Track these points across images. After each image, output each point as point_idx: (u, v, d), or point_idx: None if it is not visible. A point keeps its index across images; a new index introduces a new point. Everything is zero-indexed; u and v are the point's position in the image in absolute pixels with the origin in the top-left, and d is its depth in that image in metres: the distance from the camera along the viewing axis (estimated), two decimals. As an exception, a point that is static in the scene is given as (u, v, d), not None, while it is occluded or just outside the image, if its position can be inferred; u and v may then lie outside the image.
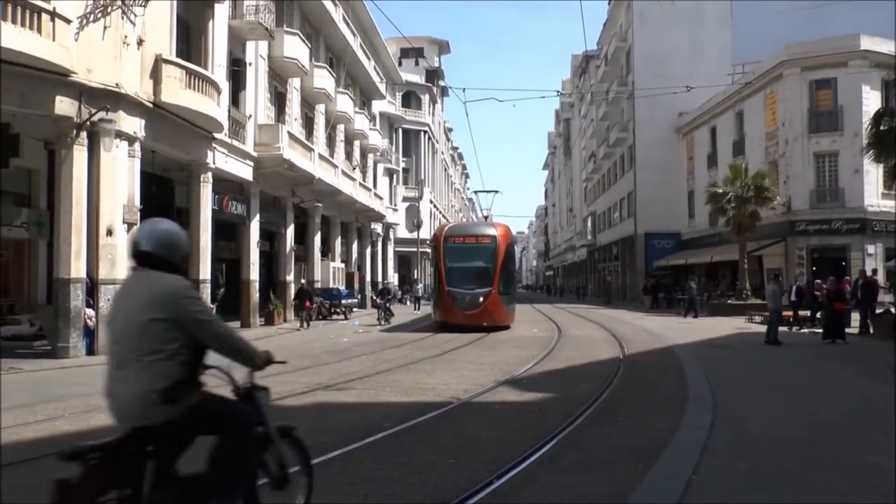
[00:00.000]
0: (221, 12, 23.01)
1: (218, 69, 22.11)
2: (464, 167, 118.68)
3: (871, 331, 21.89)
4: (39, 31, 14.98)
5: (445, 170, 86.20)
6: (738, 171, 34.18)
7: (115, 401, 3.82)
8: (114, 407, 3.84)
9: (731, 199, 33.48)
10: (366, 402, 10.40)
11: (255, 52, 26.72)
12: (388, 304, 31.45)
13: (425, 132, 66.30)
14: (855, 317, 22.68)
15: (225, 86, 22.43)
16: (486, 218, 43.62)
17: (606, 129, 63.42)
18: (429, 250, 47.71)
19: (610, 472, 6.46)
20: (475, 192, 64.97)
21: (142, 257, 3.88)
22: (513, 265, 28.13)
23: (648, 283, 43.61)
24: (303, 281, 31.73)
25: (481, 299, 24.27)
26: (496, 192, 39.67)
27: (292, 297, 30.18)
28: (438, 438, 7.92)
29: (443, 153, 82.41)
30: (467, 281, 24.67)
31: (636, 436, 7.95)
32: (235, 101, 25.47)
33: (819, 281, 24.43)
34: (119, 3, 17.17)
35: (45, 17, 15.10)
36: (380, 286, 43.71)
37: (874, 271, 25.43)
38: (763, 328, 22.09)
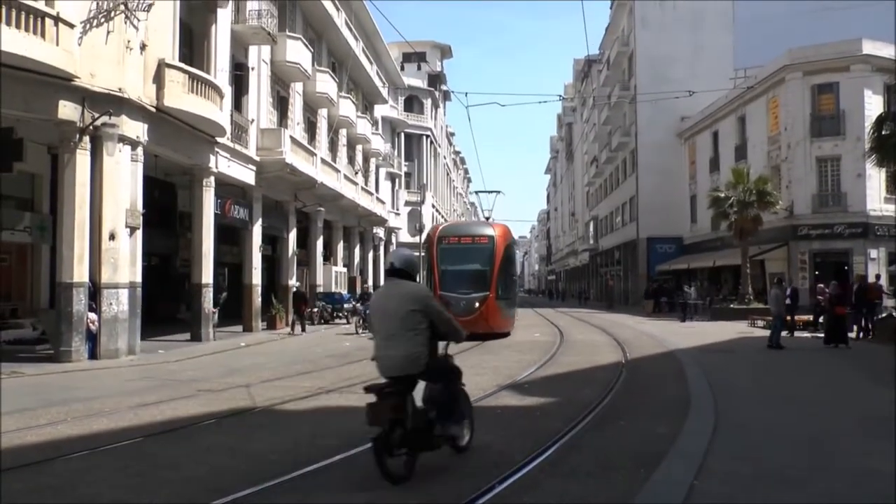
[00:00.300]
0: (224, 17, 23.07)
1: (221, 74, 22.15)
2: (466, 171, 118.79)
3: (870, 335, 21.90)
4: (43, 35, 15.02)
5: (448, 174, 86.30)
6: (741, 175, 34.18)
7: (385, 360, 6.37)
8: (385, 364, 6.37)
9: (733, 203, 33.49)
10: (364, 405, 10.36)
11: (258, 57, 26.77)
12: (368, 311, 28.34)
13: (427, 136, 66.37)
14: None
15: (227, 90, 22.47)
16: (487, 220, 43.08)
17: (608, 133, 63.47)
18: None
19: (612, 477, 6.45)
20: (476, 192, 64.56)
21: (395, 272, 6.57)
22: (513, 268, 26.68)
23: (651, 288, 43.53)
24: (297, 284, 30.81)
25: (477, 304, 22.38)
26: (498, 192, 37.20)
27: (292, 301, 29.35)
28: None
29: (445, 157, 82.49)
30: (462, 284, 22.96)
31: (638, 440, 7.95)
32: (238, 105, 25.51)
33: (822, 285, 24.35)
34: (122, 7, 17.22)
35: (48, 21, 15.15)
36: (359, 290, 40.15)
37: (877, 276, 25.42)
38: (766, 332, 22.08)
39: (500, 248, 23.56)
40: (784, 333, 20.86)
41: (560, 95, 66.23)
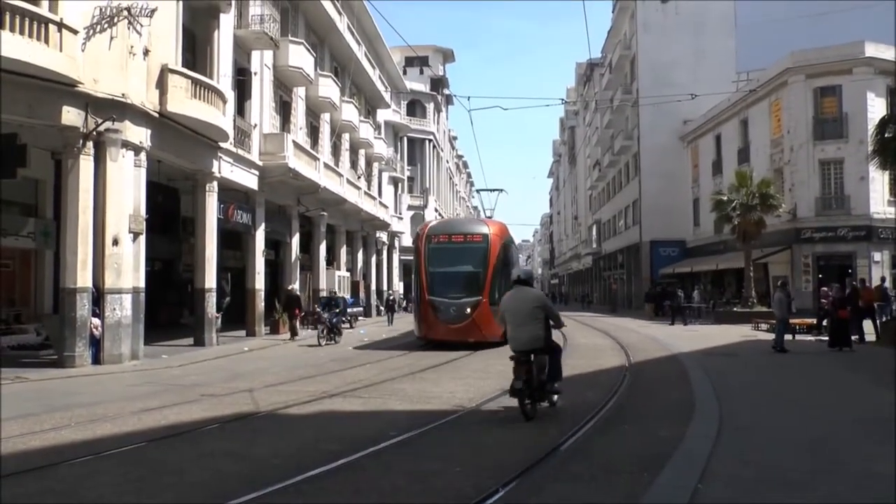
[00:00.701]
0: (227, 22, 23.11)
1: (223, 79, 22.19)
2: (469, 175, 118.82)
3: (863, 339, 21.87)
4: (47, 41, 15.06)
5: (450, 178, 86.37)
6: (744, 178, 34.14)
7: (517, 340, 9.69)
8: (517, 342, 9.68)
9: (736, 206, 33.42)
10: (372, 410, 10.40)
11: (261, 62, 26.82)
12: (336, 320, 24.36)
13: (430, 140, 66.44)
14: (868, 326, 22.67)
15: (230, 95, 22.51)
16: (490, 218, 41.92)
17: (611, 137, 63.46)
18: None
19: (616, 481, 6.45)
20: (478, 190, 63.64)
21: (521, 281, 10.20)
22: (510, 270, 23.96)
23: (653, 291, 43.15)
24: (291, 287, 29.16)
25: (469, 310, 20.55)
26: (501, 190, 35.07)
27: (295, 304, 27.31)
28: (444, 447, 7.93)
29: (448, 161, 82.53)
30: (453, 288, 21.11)
31: (642, 444, 7.94)
32: (241, 110, 25.55)
33: (825, 288, 24.26)
34: (125, 13, 17.25)
35: (52, 27, 15.19)
36: (322, 294, 32.89)
37: (882, 279, 25.36)
38: (769, 336, 22.07)
39: (495, 248, 21.54)
40: (789, 337, 20.81)
41: (562, 99, 66.34)
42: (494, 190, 41.16)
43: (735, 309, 34.73)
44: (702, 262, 44.90)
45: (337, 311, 25.49)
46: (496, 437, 8.50)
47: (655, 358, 18.19)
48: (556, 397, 10.26)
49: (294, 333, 25.66)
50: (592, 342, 23.00)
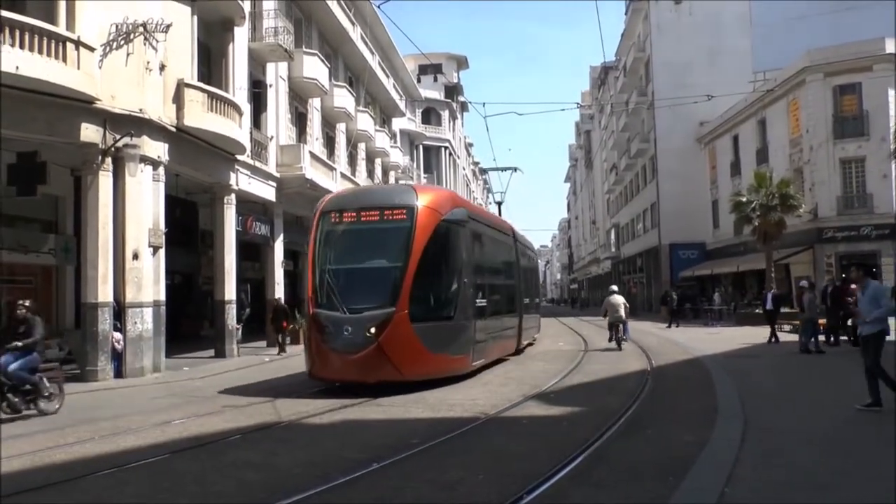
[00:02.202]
0: (241, 35, 23.26)
1: (239, 92, 22.33)
2: (485, 182, 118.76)
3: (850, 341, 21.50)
4: (64, 59, 15.21)
5: (467, 185, 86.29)
6: (763, 178, 33.87)
7: (614, 317, 21.99)
8: (614, 318, 21.98)
9: (755, 207, 33.16)
10: (393, 418, 10.39)
11: (276, 74, 26.95)
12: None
13: (446, 148, 66.47)
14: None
15: (246, 108, 22.62)
16: (499, 205, 36.90)
17: (627, 140, 63.26)
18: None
19: (640, 486, 6.38)
20: (485, 169, 58.25)
21: (613, 292, 23.44)
22: (466, 264, 14.93)
23: (672, 294, 41.73)
24: (278, 298, 26.45)
25: (372, 330, 12.82)
26: (514, 169, 30.79)
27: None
28: (467, 454, 7.88)
29: (464, 168, 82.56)
30: (353, 295, 13.44)
31: (666, 449, 7.86)
32: (257, 122, 25.67)
33: (854, 286, 23.59)
34: (141, 29, 17.40)
35: (69, 45, 15.34)
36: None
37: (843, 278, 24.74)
38: (792, 337, 21.84)
39: (425, 230, 13.61)
40: (815, 339, 20.41)
41: (577, 103, 66.07)
42: (507, 168, 34.44)
43: (757, 311, 34.35)
44: (722, 264, 44.56)
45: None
46: (519, 444, 8.44)
47: (677, 361, 18.03)
48: (624, 343, 21.66)
49: (282, 349, 23.11)
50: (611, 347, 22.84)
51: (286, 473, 7.11)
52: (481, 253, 16.75)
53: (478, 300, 15.53)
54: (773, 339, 22.55)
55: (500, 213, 36.02)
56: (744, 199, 34.33)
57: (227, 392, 13.83)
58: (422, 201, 14.11)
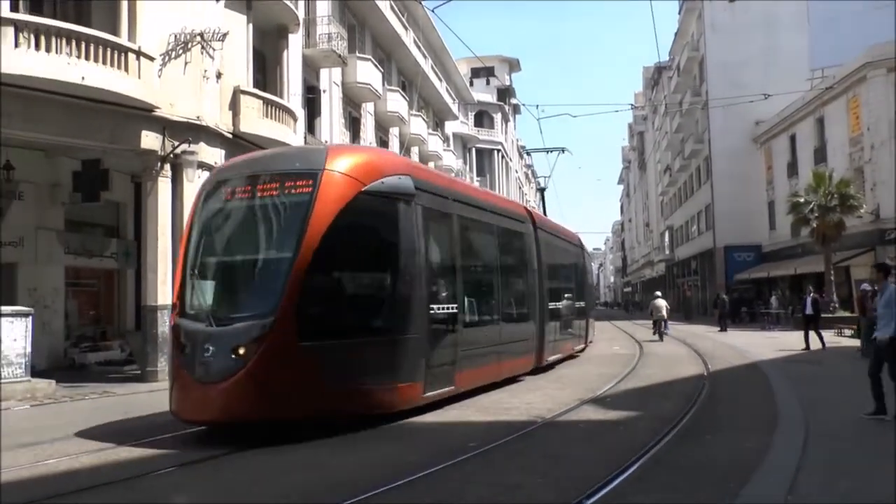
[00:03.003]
0: (295, 42, 23.60)
1: (293, 97, 22.64)
2: (538, 184, 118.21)
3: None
4: (126, 69, 15.64)
5: (520, 187, 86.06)
6: (822, 178, 33.08)
7: (657, 316, 28.80)
8: (657, 316, 28.89)
9: (814, 208, 32.40)
10: (448, 421, 10.40)
11: (329, 79, 27.27)
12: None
13: (498, 151, 66.41)
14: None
15: (301, 113, 22.95)
16: (542, 192, 34.86)
17: (681, 141, 62.44)
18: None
19: (699, 493, 6.32)
20: (530, 151, 49.51)
21: (657, 297, 31.31)
22: (413, 256, 10.80)
23: (723, 297, 40.17)
24: None
25: (240, 351, 8.94)
26: (562, 150, 27.83)
27: None
28: (525, 458, 7.88)
29: (517, 171, 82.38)
30: (227, 299, 10.21)
31: (725, 455, 7.75)
32: (311, 127, 26.01)
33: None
34: (199, 38, 17.79)
35: (131, 56, 15.77)
36: None
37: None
38: (854, 342, 21.29)
39: (332, 203, 9.60)
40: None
41: (632, 104, 65.52)
42: (554, 150, 30.06)
43: (798, 314, 33.53)
44: (779, 267, 43.62)
45: None
46: (576, 448, 8.41)
47: (735, 366, 17.72)
48: (665, 336, 26.38)
49: None
50: (669, 351, 22.59)
51: (345, 475, 7.18)
52: (459, 243, 12.59)
53: (445, 306, 11.62)
54: (809, 346, 21.20)
55: (543, 201, 35.24)
56: (801, 200, 33.57)
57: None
58: (333, 164, 9.90)
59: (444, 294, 11.71)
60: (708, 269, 55.16)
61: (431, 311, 11.03)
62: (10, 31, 13.88)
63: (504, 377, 14.15)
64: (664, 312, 28.91)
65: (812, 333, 21.52)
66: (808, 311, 22.49)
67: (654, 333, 28.62)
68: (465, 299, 12.53)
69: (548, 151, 30.55)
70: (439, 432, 9.71)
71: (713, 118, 51.22)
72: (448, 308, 11.68)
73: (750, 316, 41.71)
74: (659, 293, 33.44)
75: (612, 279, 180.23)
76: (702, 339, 27.49)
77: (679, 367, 17.48)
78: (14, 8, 14.86)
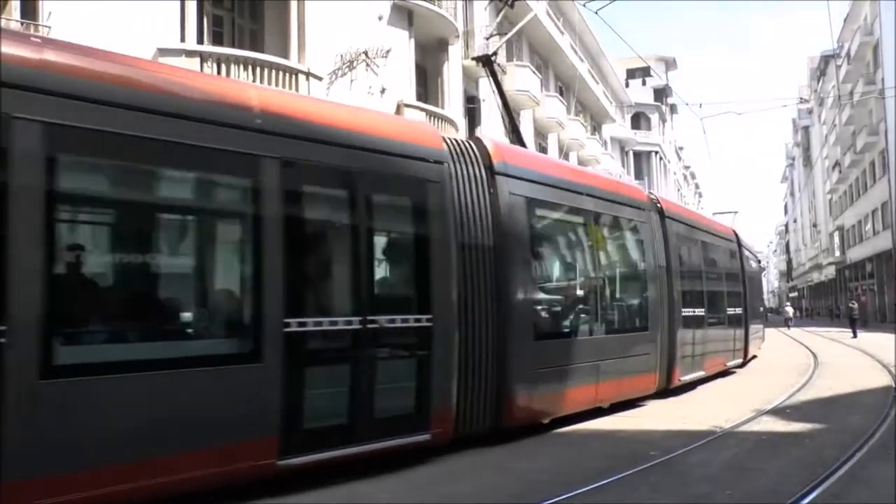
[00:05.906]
0: (454, 54, 24.12)
1: (454, 108, 23.16)
2: (697, 186, 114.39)
3: None
4: (297, 90, 16.58)
5: (678, 190, 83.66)
6: None
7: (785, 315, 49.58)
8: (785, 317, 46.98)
9: None
10: (623, 429, 10.31)
11: (488, 88, 27.62)
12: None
13: (656, 153, 64.91)
14: None
15: (461, 122, 23.43)
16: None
17: (852, 133, 58.57)
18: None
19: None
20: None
21: (786, 306, 53.74)
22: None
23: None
24: None
25: None
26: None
27: None
28: (708, 468, 7.72)
29: (675, 173, 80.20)
30: None
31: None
32: (472, 136, 26.46)
33: None
34: (363, 56, 18.60)
35: (300, 77, 16.73)
36: None
37: None
38: None
39: None
40: None
41: (801, 98, 62.15)
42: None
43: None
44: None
45: None
46: (760, 460, 8.13)
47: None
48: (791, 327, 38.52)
49: None
50: (846, 360, 21.22)
51: (531, 478, 7.26)
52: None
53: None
54: None
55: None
56: None
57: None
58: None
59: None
60: (885, 272, 51.35)
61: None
62: (196, 62, 15.06)
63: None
64: (790, 314, 51.29)
65: None
66: None
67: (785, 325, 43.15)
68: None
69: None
70: (617, 439, 9.66)
71: (890, 108, 47.68)
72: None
73: (851, 320, 38.52)
74: (788, 303, 52.81)
75: (776, 284, 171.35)
76: (883, 349, 25.48)
77: (860, 378, 16.23)
78: (199, 41, 16.10)
